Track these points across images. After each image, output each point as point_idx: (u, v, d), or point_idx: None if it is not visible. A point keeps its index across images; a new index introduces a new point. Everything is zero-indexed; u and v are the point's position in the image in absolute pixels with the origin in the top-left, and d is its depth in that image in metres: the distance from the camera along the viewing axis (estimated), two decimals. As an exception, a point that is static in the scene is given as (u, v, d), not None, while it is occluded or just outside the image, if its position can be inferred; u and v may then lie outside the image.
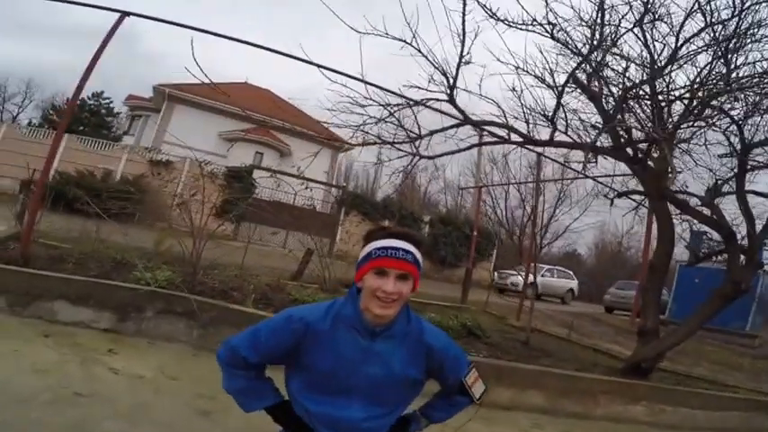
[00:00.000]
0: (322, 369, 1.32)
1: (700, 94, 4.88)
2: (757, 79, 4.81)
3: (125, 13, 5.65)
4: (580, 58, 4.85)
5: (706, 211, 6.01)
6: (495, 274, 18.71)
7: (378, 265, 1.28)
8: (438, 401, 1.54)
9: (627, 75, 5.11)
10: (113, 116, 32.27)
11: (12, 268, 4.68)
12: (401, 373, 1.34)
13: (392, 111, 4.92)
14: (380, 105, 4.92)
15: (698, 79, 4.99)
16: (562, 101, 4.99)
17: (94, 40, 5.71)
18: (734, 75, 4.86)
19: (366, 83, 5.01)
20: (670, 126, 5.03)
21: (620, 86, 5.16)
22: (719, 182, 6.11)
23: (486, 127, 5.27)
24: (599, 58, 5.03)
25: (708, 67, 4.95)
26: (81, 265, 5.19)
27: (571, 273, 20.31)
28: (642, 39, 5.04)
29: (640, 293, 6.88)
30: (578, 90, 5.50)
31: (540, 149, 6.92)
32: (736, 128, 5.46)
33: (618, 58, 5.15)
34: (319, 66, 5.47)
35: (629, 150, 5.62)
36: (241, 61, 47.68)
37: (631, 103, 5.36)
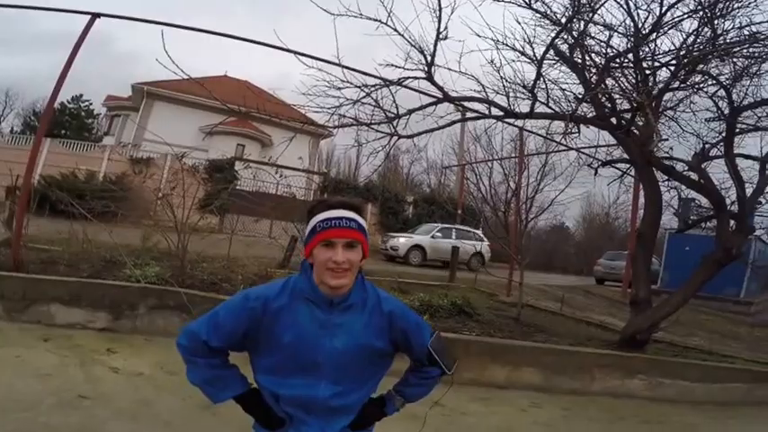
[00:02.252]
0: (284, 345, 1.28)
1: (685, 60, 4.74)
2: (746, 44, 4.70)
3: (96, 15, 5.67)
4: (559, 28, 4.65)
5: (693, 177, 5.90)
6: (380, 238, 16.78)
7: (324, 237, 1.26)
8: (410, 376, 1.49)
9: (610, 44, 4.94)
10: (93, 117, 32.12)
11: (5, 274, 4.73)
12: (365, 344, 1.31)
13: (368, 91, 4.74)
14: (357, 87, 4.76)
15: (684, 45, 4.85)
16: (543, 73, 4.90)
17: (70, 44, 5.69)
18: (720, 39, 4.72)
19: (341, 66, 4.88)
20: (655, 92, 4.87)
21: (603, 56, 5.01)
22: (707, 146, 5.99)
23: (465, 103, 5.10)
24: (580, 28, 4.85)
25: (695, 33, 4.82)
26: (72, 267, 5.30)
27: (479, 233, 16.03)
28: (625, 6, 4.89)
29: (632, 264, 6.76)
30: (560, 61, 5.35)
31: (520, 123, 6.75)
32: (724, 92, 5.33)
33: (600, 27, 4.99)
34: (292, 51, 5.29)
35: (614, 119, 5.48)
36: (220, 55, 47.18)
37: (615, 73, 5.23)
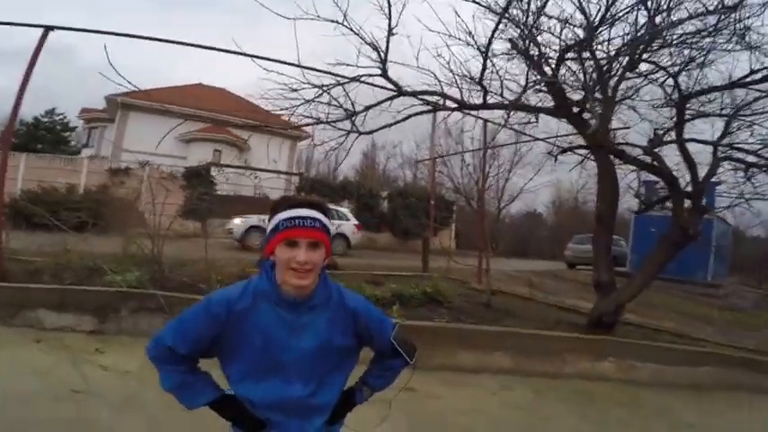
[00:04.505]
0: (252, 348, 1.25)
1: (630, 50, 4.84)
2: (690, 37, 4.81)
3: (48, 28, 5.53)
4: (506, 20, 4.69)
5: (648, 160, 5.99)
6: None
7: (287, 236, 1.22)
8: (375, 368, 1.49)
9: (562, 35, 5.00)
10: (70, 131, 31.45)
11: (-7, 283, 4.81)
12: (332, 342, 1.30)
13: (325, 90, 4.72)
14: (314, 87, 4.73)
15: (630, 37, 4.95)
16: (495, 66, 4.98)
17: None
18: (665, 32, 4.82)
19: (298, 66, 4.82)
20: (611, 82, 4.96)
21: (558, 48, 5.07)
22: (659, 131, 6.08)
23: (421, 96, 5.10)
24: (529, 20, 4.89)
25: (644, 26, 4.90)
26: (56, 276, 5.32)
27: (345, 211, 14.18)
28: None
29: (593, 246, 6.85)
30: (517, 54, 5.38)
31: (482, 114, 6.80)
32: (672, 81, 5.44)
33: (555, 20, 5.03)
34: (249, 55, 5.24)
35: (570, 108, 5.56)
36: (195, 65, 46.74)
37: (569, 64, 5.29)
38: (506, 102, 5.08)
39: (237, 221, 12.61)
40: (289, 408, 1.27)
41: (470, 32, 4.96)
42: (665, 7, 4.77)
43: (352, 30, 4.62)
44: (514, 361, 4.78)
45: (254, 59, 4.98)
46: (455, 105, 5.14)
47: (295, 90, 4.72)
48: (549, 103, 5.75)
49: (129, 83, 4.54)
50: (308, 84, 4.74)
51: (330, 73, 4.95)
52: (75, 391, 3.24)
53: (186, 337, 1.26)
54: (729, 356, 5.65)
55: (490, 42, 4.78)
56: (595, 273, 6.39)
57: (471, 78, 4.89)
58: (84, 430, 2.84)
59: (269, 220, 1.28)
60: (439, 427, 3.37)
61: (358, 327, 1.34)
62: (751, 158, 5.82)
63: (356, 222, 13.67)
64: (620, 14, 4.89)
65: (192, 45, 5.85)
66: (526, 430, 3.57)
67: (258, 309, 1.25)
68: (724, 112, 5.72)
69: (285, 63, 4.92)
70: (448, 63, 4.89)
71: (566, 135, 6.96)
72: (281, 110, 4.95)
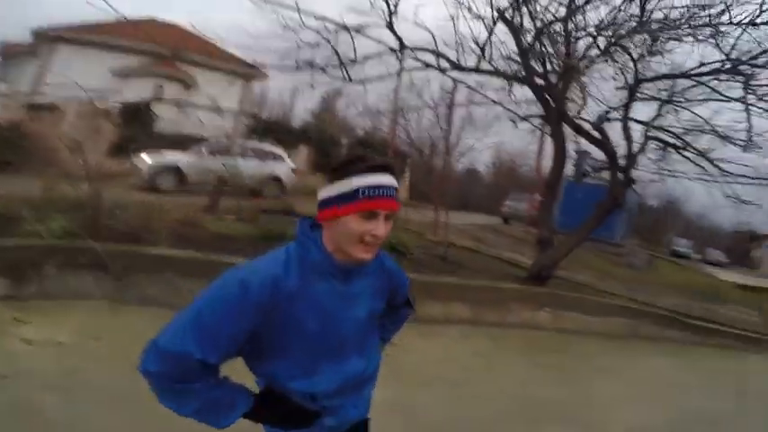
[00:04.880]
0: (308, 334, 1.02)
1: (610, 32, 5.00)
2: (671, 24, 5.07)
3: None
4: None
5: (596, 135, 6.47)
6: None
7: (369, 206, 1.00)
8: (386, 322, 1.37)
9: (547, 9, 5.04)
10: None
11: None
12: (378, 306, 1.19)
13: (327, 37, 4.37)
14: (315, 31, 4.35)
15: (608, 18, 5.15)
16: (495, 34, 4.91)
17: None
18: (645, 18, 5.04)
19: (297, 10, 4.37)
20: (584, 60, 5.14)
21: (540, 20, 5.12)
22: (610, 110, 6.53)
23: (420, 53, 4.98)
24: None
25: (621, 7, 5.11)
26: None
27: (280, 152, 12.31)
28: None
29: (540, 208, 7.39)
30: (501, 21, 5.37)
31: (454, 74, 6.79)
32: (632, 64, 5.79)
33: None
34: None
35: (541, 80, 5.73)
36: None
37: (547, 38, 5.40)
38: (495, 69, 5.08)
39: (146, 158, 9.99)
40: (349, 387, 1.12)
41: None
42: None
43: None
44: (472, 311, 5.12)
45: None
46: (448, 66, 5.05)
47: (294, 31, 4.30)
48: (519, 71, 5.89)
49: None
50: (309, 28, 4.34)
51: (330, 21, 4.56)
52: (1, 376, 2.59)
53: (219, 340, 0.95)
54: (637, 310, 6.55)
55: (501, 15, 4.69)
56: (540, 231, 6.96)
57: (475, 43, 4.82)
58: (25, 421, 2.27)
59: (332, 179, 1.03)
60: (416, 375, 3.56)
61: (391, 286, 1.25)
62: (671, 140, 6.54)
63: (293, 165, 12.06)
64: None
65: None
66: (489, 376, 3.91)
67: (311, 286, 1.02)
68: (663, 97, 6.29)
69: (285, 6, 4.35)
70: (454, 24, 4.79)
71: (525, 101, 7.18)
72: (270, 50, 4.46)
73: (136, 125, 12.88)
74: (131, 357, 1.07)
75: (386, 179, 1.03)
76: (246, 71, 18.24)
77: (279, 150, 12.21)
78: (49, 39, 19.22)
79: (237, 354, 1.02)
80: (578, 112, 6.84)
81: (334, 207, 1.02)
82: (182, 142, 11.89)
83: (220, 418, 1.02)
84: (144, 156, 10.13)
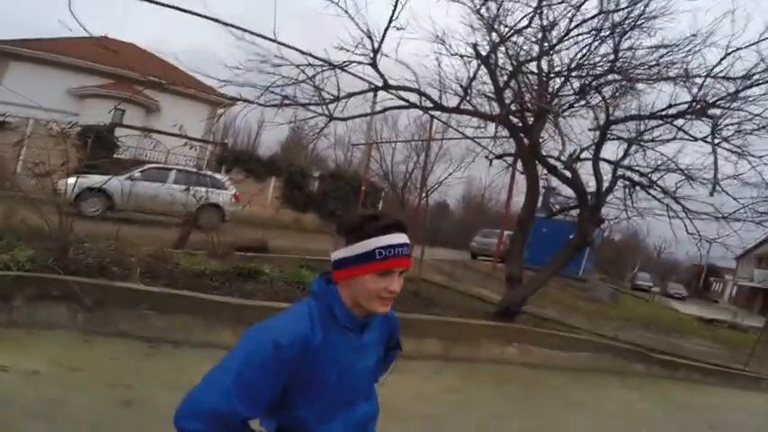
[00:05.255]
0: (328, 386, 1.09)
1: (583, 73, 5.29)
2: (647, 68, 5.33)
3: None
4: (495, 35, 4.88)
5: (567, 174, 6.69)
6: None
7: (386, 266, 1.07)
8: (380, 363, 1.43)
9: (521, 52, 5.32)
10: None
11: None
12: (381, 355, 1.27)
13: (314, 73, 4.51)
14: (296, 66, 4.46)
15: (582, 59, 5.42)
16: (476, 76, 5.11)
17: None
18: (620, 60, 5.31)
19: (278, 42, 4.45)
20: (558, 101, 5.40)
21: (515, 59, 5.38)
22: (578, 149, 6.79)
23: (402, 92, 5.16)
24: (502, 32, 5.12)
25: (591, 48, 5.42)
26: None
27: (223, 179, 11.78)
28: (539, 21, 5.28)
29: (510, 244, 7.57)
30: (478, 61, 5.59)
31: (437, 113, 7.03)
32: (604, 105, 6.08)
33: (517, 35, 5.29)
34: (225, 23, 4.61)
35: (515, 119, 5.99)
36: (103, 15, 40.13)
37: (522, 77, 5.65)
38: (475, 108, 5.30)
39: (70, 180, 8.74)
40: (359, 429, 1.19)
41: (475, 43, 5.05)
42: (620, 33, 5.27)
43: (347, 12, 4.45)
44: (443, 347, 5.15)
45: (230, 28, 4.45)
46: (430, 105, 5.24)
47: (277, 65, 4.41)
48: (493, 109, 6.11)
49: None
50: (287, 61, 4.44)
51: (312, 56, 4.67)
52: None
53: (259, 397, 1.00)
54: (599, 343, 6.67)
55: (488, 54, 4.92)
56: (508, 267, 7.11)
57: (460, 86, 5.03)
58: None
59: (349, 241, 1.09)
60: (391, 412, 3.51)
61: (390, 330, 1.32)
62: (636, 178, 6.79)
63: (235, 192, 11.48)
64: (577, 37, 5.32)
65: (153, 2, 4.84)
66: (463, 411, 3.94)
67: (331, 341, 1.09)
68: (632, 137, 6.56)
69: (265, 37, 4.43)
70: (438, 64, 4.98)
71: (498, 137, 7.43)
72: (253, 85, 4.52)
73: (97, 149, 12.42)
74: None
75: (401, 238, 1.09)
76: (212, 98, 18.11)
77: (221, 177, 11.80)
78: (1, 54, 18.71)
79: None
80: (560, 153, 7.14)
81: (350, 267, 1.08)
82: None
83: None
84: (69, 178, 9.47)
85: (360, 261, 1.07)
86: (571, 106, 6.32)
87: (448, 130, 8.05)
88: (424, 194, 7.86)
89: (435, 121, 8.42)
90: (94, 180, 9.28)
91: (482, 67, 5.37)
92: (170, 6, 4.50)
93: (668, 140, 6.22)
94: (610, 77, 5.51)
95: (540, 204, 9.59)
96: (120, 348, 3.67)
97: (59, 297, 3.91)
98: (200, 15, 4.46)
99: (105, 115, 17.46)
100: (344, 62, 4.78)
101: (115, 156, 13.75)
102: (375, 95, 5.15)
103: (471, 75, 5.18)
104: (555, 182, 7.99)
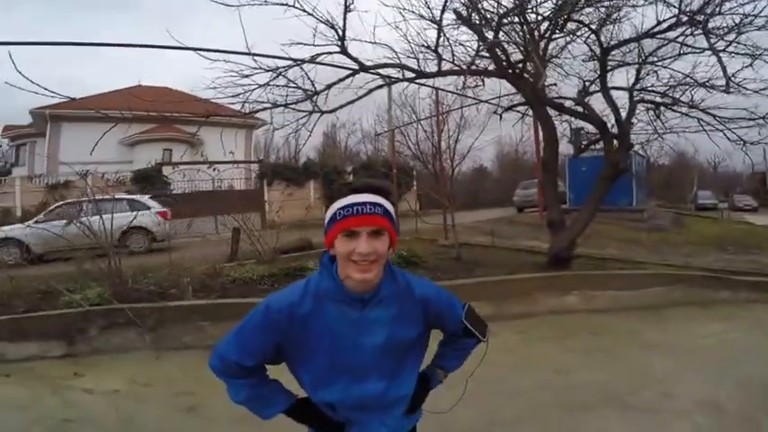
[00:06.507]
0: (320, 353, 1.14)
1: (560, 11, 5.03)
2: None
3: None
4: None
5: (580, 110, 6.43)
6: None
7: (345, 226, 1.06)
8: (447, 350, 1.39)
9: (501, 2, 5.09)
10: None
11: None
12: (403, 336, 1.18)
13: (280, 72, 4.48)
14: (269, 71, 4.45)
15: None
16: (447, 34, 4.95)
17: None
18: None
19: (249, 54, 4.48)
20: (541, 42, 5.15)
21: (496, 14, 5.18)
22: (587, 83, 6.51)
23: (380, 70, 5.01)
24: None
25: None
26: (6, 305, 4.81)
27: (143, 199, 11.33)
28: None
29: (542, 189, 7.32)
30: (460, 23, 5.44)
31: (431, 82, 6.84)
32: (594, 36, 5.81)
33: None
34: (196, 49, 4.70)
35: (509, 69, 5.75)
36: (134, 69, 43.81)
37: (507, 28, 5.45)
38: (458, 68, 5.12)
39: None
40: (368, 405, 1.18)
41: (426, 2, 4.93)
42: None
43: (304, 10, 4.43)
44: (494, 307, 4.91)
45: (200, 53, 4.54)
46: (412, 75, 5.10)
47: (247, 76, 4.45)
48: (489, 65, 5.90)
49: (53, 93, 3.99)
50: (261, 68, 4.46)
51: (282, 58, 4.69)
52: (67, 420, 2.95)
53: (249, 349, 1.14)
54: (669, 275, 5.89)
55: (442, 12, 4.78)
56: (548, 213, 6.80)
57: (427, 47, 4.89)
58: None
59: (326, 210, 1.13)
60: (448, 379, 3.40)
61: (428, 314, 1.23)
62: (658, 99, 6.50)
63: (160, 209, 11.04)
64: None
65: (130, 45, 5.50)
66: (522, 370, 3.60)
67: (322, 311, 1.12)
68: (636, 61, 6.23)
69: (236, 53, 4.56)
70: (405, 35, 5.00)
71: (507, 95, 7.19)
72: (233, 97, 4.62)
73: (150, 190, 13.53)
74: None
75: (362, 198, 1.07)
76: (244, 120, 19.12)
77: (144, 198, 11.55)
78: (47, 118, 20.01)
79: (277, 361, 1.20)
80: (559, 92, 6.83)
81: (327, 233, 1.11)
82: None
83: (262, 409, 1.23)
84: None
85: (329, 225, 1.10)
86: (565, 47, 6.10)
87: (464, 99, 7.72)
88: (446, 161, 7.63)
89: (447, 94, 8.18)
90: (4, 230, 9.82)
91: (463, 29, 5.19)
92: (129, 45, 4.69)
93: (676, 57, 5.92)
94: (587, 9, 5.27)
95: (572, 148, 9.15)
96: (185, 360, 3.95)
97: (125, 324, 4.39)
98: (172, 48, 4.64)
99: (156, 157, 18.63)
100: (314, 55, 4.73)
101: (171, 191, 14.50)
102: (352, 81, 4.98)
103: (437, 35, 4.99)
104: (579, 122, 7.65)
